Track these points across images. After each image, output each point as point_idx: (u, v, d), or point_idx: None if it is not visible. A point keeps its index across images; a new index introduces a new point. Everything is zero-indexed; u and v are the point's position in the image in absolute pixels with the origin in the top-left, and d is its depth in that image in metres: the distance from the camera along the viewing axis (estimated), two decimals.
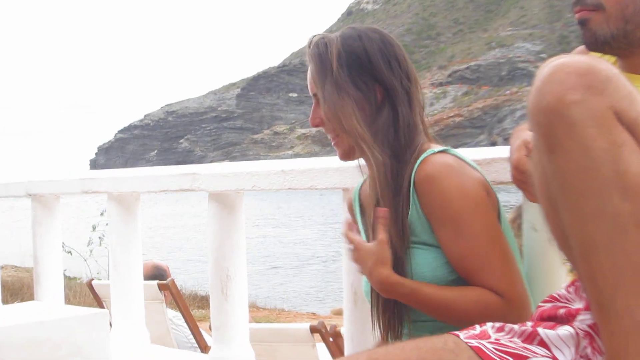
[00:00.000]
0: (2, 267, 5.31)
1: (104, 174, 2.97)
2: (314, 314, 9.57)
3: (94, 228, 7.46)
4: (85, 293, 5.88)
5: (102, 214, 6.40)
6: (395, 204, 1.42)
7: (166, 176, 2.49)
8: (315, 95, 1.50)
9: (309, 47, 1.49)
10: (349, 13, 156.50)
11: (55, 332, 2.33)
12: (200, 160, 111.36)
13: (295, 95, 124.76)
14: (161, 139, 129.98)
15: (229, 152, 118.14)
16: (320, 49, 1.47)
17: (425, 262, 1.42)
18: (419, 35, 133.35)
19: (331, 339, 2.90)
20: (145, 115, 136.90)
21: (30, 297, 3.95)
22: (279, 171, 2.04)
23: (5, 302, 3.73)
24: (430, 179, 1.39)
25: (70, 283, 6.94)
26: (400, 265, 1.41)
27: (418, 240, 1.43)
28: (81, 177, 2.85)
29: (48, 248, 3.05)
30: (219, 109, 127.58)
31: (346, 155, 1.52)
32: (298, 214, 39.84)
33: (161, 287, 3.52)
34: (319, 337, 2.91)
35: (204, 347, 3.43)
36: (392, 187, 1.43)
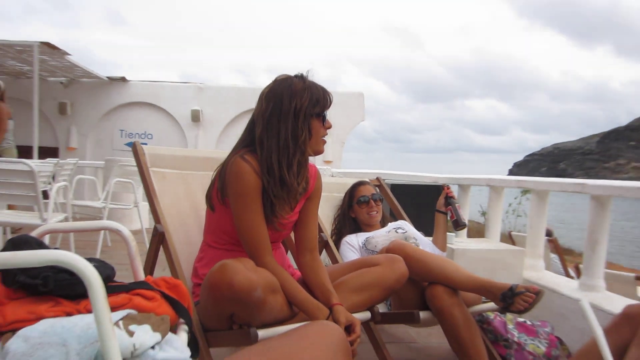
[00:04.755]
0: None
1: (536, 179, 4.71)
2: None
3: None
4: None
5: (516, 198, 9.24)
6: None
7: (565, 184, 4.36)
8: None
9: None
10: None
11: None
12: (571, 176, 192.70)
13: (633, 143, 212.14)
14: (548, 162, 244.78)
15: (588, 172, 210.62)
16: None
17: None
18: None
19: None
20: (542, 148, 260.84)
21: None
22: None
23: None
24: None
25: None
26: None
27: None
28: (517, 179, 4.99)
29: None
30: (585, 148, 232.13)
31: None
32: None
33: (549, 240, 6.93)
34: None
35: (567, 275, 6.29)
36: None
